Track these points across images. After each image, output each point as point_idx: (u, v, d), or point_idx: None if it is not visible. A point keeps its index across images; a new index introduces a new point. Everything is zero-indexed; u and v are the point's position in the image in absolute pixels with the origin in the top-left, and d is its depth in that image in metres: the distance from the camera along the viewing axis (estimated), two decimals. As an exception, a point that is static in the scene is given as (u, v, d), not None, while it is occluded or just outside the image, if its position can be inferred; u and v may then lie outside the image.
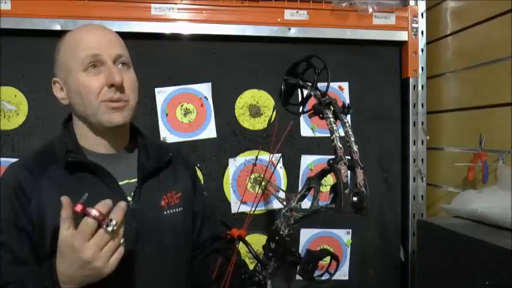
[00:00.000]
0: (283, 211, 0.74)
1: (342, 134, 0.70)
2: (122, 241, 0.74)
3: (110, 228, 0.69)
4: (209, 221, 1.09)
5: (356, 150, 0.69)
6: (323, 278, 0.77)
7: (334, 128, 0.69)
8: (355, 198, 0.64)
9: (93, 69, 0.87)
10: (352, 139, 0.69)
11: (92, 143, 0.94)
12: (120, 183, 0.92)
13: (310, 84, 0.75)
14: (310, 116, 0.74)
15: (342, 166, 0.65)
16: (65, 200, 0.71)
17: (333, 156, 0.68)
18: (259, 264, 0.80)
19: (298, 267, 0.75)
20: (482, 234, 1.01)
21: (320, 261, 0.76)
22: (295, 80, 0.78)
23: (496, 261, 0.93)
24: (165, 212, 0.96)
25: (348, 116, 0.74)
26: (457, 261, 1.05)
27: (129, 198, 0.92)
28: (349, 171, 0.67)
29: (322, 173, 0.71)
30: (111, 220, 0.70)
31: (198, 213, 1.07)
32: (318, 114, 0.72)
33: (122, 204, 0.73)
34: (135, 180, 0.94)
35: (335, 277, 0.79)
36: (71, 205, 0.70)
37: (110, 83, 0.86)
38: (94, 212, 0.68)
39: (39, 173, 0.89)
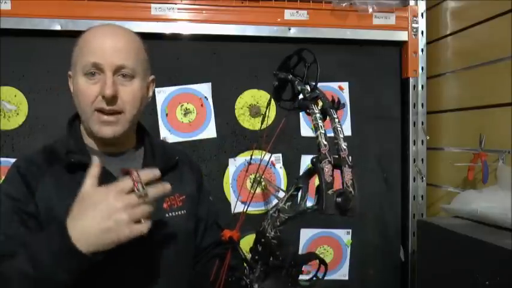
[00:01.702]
0: (271, 212, 0.72)
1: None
2: (148, 222, 0.75)
3: (137, 192, 0.72)
4: (213, 227, 1.07)
5: (344, 147, 0.65)
6: (310, 283, 0.75)
7: (320, 124, 0.65)
8: (339, 199, 0.61)
9: (92, 76, 0.87)
10: (341, 136, 0.66)
11: (96, 142, 0.94)
12: None
13: (300, 78, 0.73)
14: (297, 111, 0.72)
15: (325, 165, 0.62)
16: (94, 161, 0.77)
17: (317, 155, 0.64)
18: (246, 268, 0.77)
19: (283, 271, 0.72)
20: (482, 234, 1.01)
21: (306, 265, 0.74)
22: (285, 75, 0.76)
23: (496, 261, 0.93)
24: (167, 215, 0.95)
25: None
26: (457, 261, 1.05)
27: None
28: (339, 170, 0.64)
29: (309, 173, 0.68)
30: (142, 188, 0.73)
31: (202, 218, 1.06)
32: (304, 110, 0.69)
33: (167, 187, 0.77)
34: None
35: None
36: (99, 165, 0.76)
37: (102, 93, 0.86)
38: (135, 173, 0.73)
39: (43, 170, 0.89)
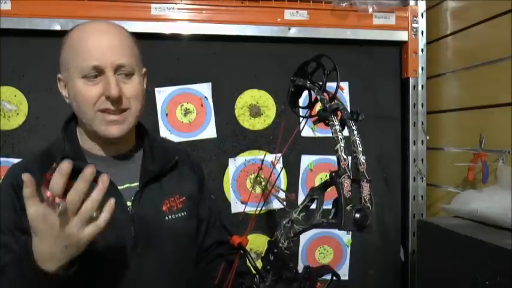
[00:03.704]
0: (284, 222, 0.70)
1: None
2: (103, 215, 0.71)
3: (57, 211, 0.67)
4: (214, 227, 1.06)
5: (363, 161, 0.64)
6: None
7: (340, 137, 0.63)
8: (357, 215, 0.59)
9: (92, 77, 0.84)
10: (360, 149, 0.64)
11: (92, 146, 0.92)
12: (120, 187, 0.90)
13: (317, 86, 0.71)
14: (315, 123, 0.69)
15: (344, 180, 0.60)
16: (25, 177, 0.68)
17: (336, 169, 0.62)
18: (257, 276, 0.76)
19: (295, 284, 0.71)
20: (482, 234, 1.01)
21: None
22: (303, 82, 0.73)
23: (496, 261, 0.93)
24: (166, 218, 0.93)
25: None
26: (457, 261, 1.05)
27: (129, 203, 0.90)
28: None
29: (325, 185, 0.66)
30: (59, 204, 0.67)
31: (203, 218, 1.04)
32: (323, 121, 0.67)
33: (87, 171, 0.68)
34: (136, 184, 0.92)
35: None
36: (32, 182, 0.69)
37: (106, 94, 0.84)
38: (48, 193, 0.67)
39: (38, 176, 0.88)
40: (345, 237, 1.48)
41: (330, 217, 0.62)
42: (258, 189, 1.42)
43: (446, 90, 1.47)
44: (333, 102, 0.67)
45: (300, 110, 0.79)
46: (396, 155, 1.51)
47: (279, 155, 1.35)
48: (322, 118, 0.67)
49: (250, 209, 1.34)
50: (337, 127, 0.64)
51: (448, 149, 1.46)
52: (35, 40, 1.29)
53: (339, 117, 0.66)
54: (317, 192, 0.67)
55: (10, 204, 0.86)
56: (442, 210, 1.34)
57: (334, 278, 0.75)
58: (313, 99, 0.74)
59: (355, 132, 0.65)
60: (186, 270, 0.98)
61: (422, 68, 1.49)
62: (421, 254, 1.28)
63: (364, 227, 0.60)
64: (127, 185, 0.92)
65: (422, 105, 1.49)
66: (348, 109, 0.69)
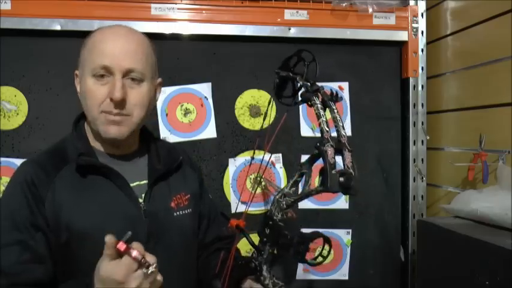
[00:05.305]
0: (276, 197, 0.77)
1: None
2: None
3: (149, 271, 0.71)
4: (214, 223, 1.10)
5: (344, 134, 0.71)
6: (316, 261, 0.79)
7: (321, 113, 0.71)
8: (341, 178, 0.66)
9: (101, 77, 0.87)
10: (341, 124, 0.72)
11: (102, 144, 0.94)
12: (131, 184, 0.93)
13: (300, 76, 0.77)
14: (299, 104, 0.76)
15: (328, 148, 0.68)
16: (109, 240, 0.69)
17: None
18: (255, 251, 0.81)
19: (291, 249, 0.76)
20: (482, 234, 1.01)
21: (313, 245, 0.78)
22: (286, 73, 0.80)
23: (496, 261, 0.93)
24: (175, 214, 0.97)
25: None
26: (457, 261, 1.05)
27: (140, 200, 0.93)
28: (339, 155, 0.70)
29: (312, 158, 0.73)
30: (149, 265, 0.71)
31: (204, 215, 1.08)
32: (306, 102, 0.74)
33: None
34: (145, 182, 0.95)
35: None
36: (114, 244, 0.70)
37: (110, 96, 0.86)
38: (135, 253, 0.70)
39: (53, 173, 0.89)
40: (345, 237, 1.47)
41: (318, 185, 0.68)
42: (258, 189, 1.42)
43: (446, 90, 1.47)
44: (312, 85, 0.75)
45: (287, 99, 0.85)
46: (396, 155, 1.51)
47: (278, 154, 1.35)
48: (305, 99, 0.74)
49: (250, 209, 1.34)
50: (319, 105, 0.72)
51: (448, 149, 1.46)
52: (35, 40, 1.29)
53: (320, 99, 0.74)
54: (305, 167, 0.74)
55: (24, 201, 0.86)
56: (442, 210, 1.34)
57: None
58: (296, 89, 0.81)
59: (335, 110, 0.74)
60: (192, 264, 1.02)
61: (422, 68, 1.49)
62: (421, 254, 1.28)
63: (349, 187, 0.66)
64: (137, 183, 0.95)
65: (422, 105, 1.49)
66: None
